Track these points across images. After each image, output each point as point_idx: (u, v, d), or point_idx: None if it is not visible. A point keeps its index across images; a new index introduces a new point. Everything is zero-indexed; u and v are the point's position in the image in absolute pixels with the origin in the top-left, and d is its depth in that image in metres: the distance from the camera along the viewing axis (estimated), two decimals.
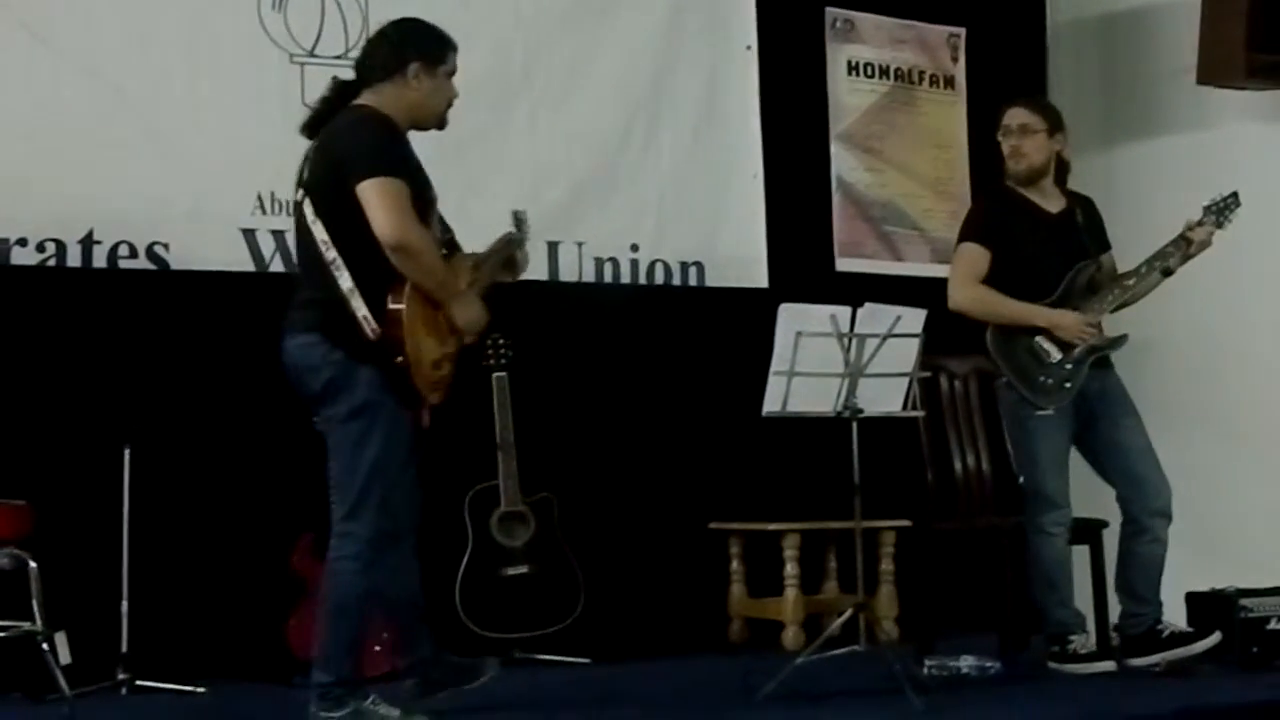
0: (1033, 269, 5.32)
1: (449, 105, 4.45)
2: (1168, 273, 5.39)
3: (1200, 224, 5.33)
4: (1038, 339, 5.28)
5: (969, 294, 5.33)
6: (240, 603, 5.46)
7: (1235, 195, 5.38)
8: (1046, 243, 5.38)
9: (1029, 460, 5.28)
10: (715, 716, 4.71)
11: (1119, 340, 5.35)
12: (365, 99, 4.33)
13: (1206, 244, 5.34)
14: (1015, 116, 5.44)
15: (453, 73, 4.44)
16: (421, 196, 4.26)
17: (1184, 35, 6.42)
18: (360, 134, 4.21)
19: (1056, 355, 5.27)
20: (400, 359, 4.16)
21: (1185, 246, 5.32)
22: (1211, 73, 6.34)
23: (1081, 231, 5.47)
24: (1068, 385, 5.26)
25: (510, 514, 5.75)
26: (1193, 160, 6.58)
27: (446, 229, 4.53)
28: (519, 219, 4.77)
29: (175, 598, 5.38)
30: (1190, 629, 5.32)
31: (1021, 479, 5.53)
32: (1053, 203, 5.47)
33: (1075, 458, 5.40)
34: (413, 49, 4.36)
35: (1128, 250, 5.54)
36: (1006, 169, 5.43)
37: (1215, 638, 5.24)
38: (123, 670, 5.05)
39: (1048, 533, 5.24)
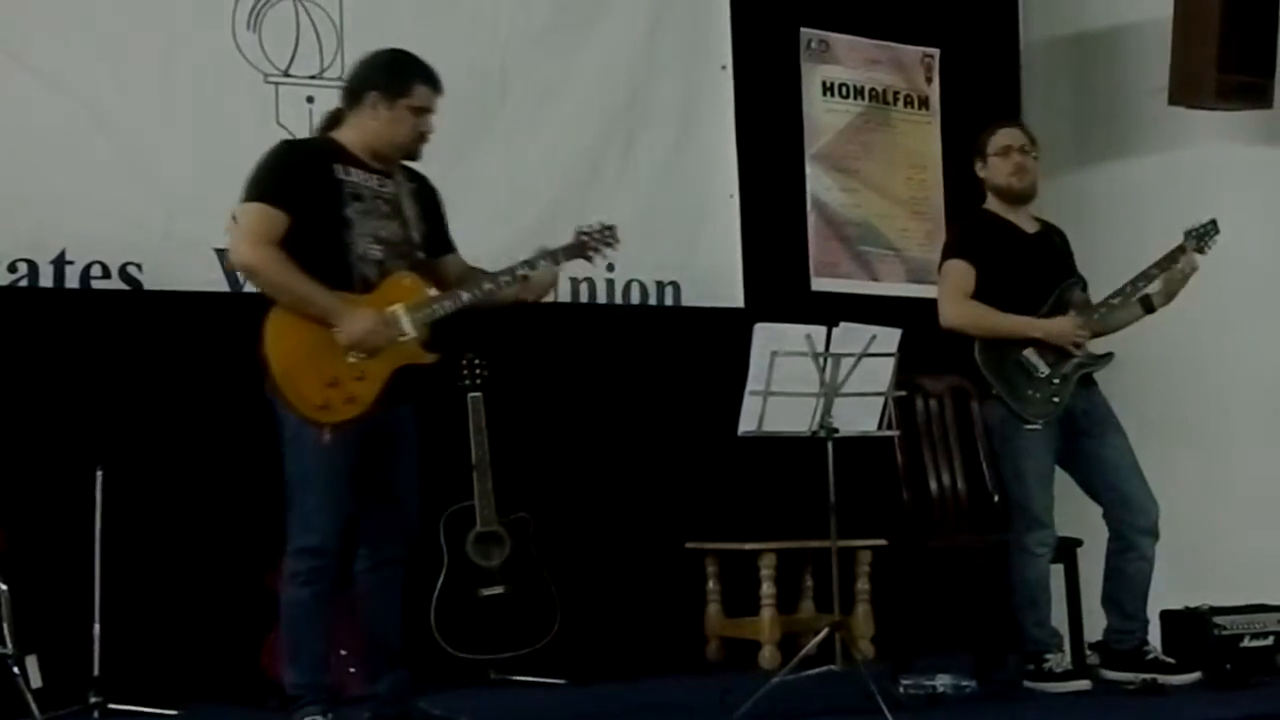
0: (1019, 286, 5.34)
1: (416, 139, 4.42)
2: (1150, 309, 5.41)
3: (1183, 250, 5.36)
4: (1026, 353, 5.29)
5: (961, 310, 5.33)
6: (214, 625, 5.43)
7: (1214, 222, 5.42)
8: (1030, 260, 5.40)
9: (1015, 478, 5.29)
10: None
11: (1106, 358, 5.37)
12: (342, 126, 4.41)
13: (1190, 273, 5.37)
14: (1016, 136, 5.47)
15: (422, 108, 4.39)
16: (330, 215, 4.24)
17: (1156, 56, 6.46)
18: (258, 162, 4.30)
19: (1045, 369, 5.29)
20: (267, 379, 4.20)
21: (1171, 273, 5.35)
22: (1183, 94, 6.37)
23: (1060, 251, 5.50)
24: (1056, 400, 5.28)
25: (486, 534, 5.74)
26: (1165, 181, 6.61)
27: (412, 241, 4.44)
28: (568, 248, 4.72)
29: (148, 620, 5.35)
30: (1173, 660, 5.33)
31: (997, 497, 5.54)
32: (1029, 225, 5.50)
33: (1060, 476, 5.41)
34: (372, 80, 4.39)
35: (1100, 269, 5.56)
36: (1005, 186, 5.42)
37: (1196, 675, 5.25)
38: (95, 694, 5.01)
39: (1032, 552, 5.25)
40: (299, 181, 4.24)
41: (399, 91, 4.35)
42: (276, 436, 4.29)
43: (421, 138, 4.41)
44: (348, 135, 4.38)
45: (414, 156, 4.46)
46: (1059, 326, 5.30)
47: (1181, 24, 6.36)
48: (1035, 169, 5.46)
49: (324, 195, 4.25)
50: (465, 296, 4.38)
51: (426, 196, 4.53)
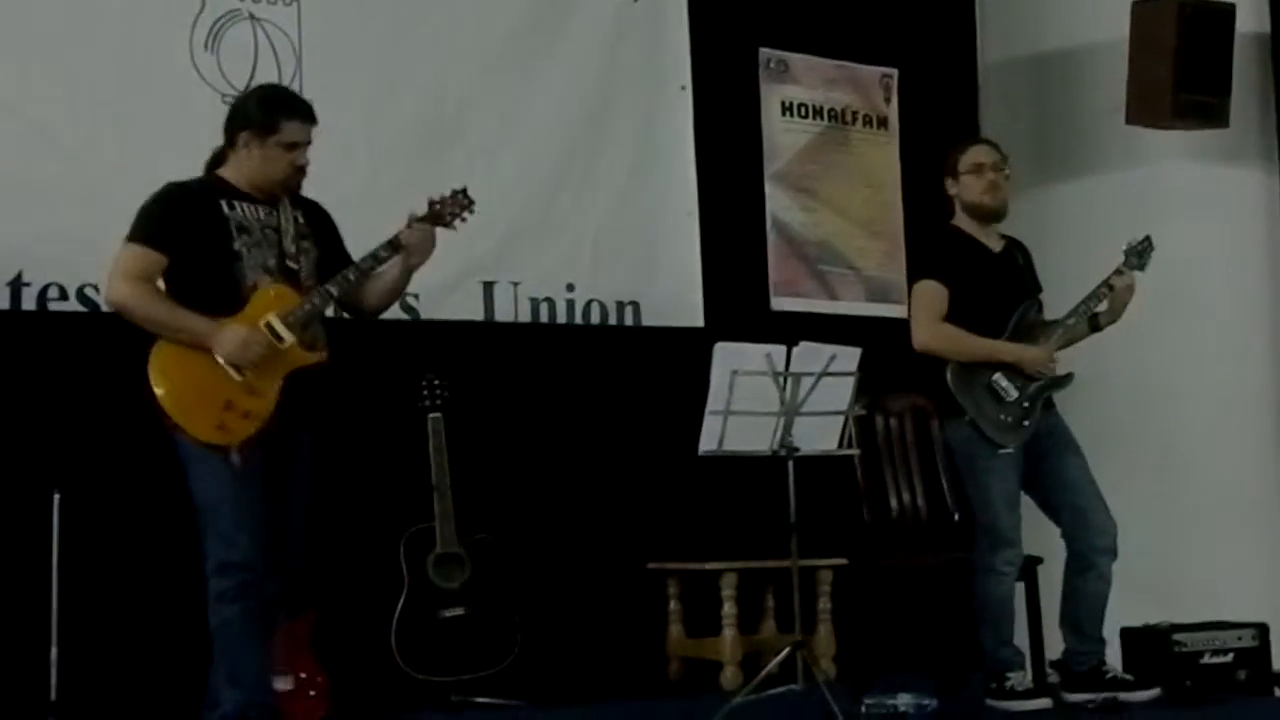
0: (982, 307, 5.35)
1: (293, 173, 4.45)
2: (1096, 328, 5.44)
3: (1119, 272, 5.39)
4: (996, 377, 5.30)
5: (935, 333, 5.33)
6: (171, 650, 5.38)
7: (1149, 238, 5.45)
8: (994, 281, 5.42)
9: (982, 499, 5.29)
10: None
11: (1066, 379, 5.40)
12: (226, 164, 4.50)
13: (1130, 290, 5.40)
14: (989, 154, 5.49)
15: (293, 143, 4.42)
16: (219, 250, 4.33)
17: (1113, 76, 6.49)
18: (142, 203, 4.40)
19: (1014, 393, 5.30)
20: (162, 415, 4.27)
21: (1110, 292, 5.38)
22: (1140, 113, 6.42)
23: (1023, 270, 5.53)
24: (1026, 423, 5.30)
25: (446, 556, 5.71)
26: (1123, 199, 6.64)
27: (299, 268, 4.45)
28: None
29: (105, 645, 5.30)
30: (1131, 677, 5.35)
31: (957, 516, 5.56)
32: (995, 243, 5.52)
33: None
34: (242, 120, 4.45)
35: (1059, 287, 5.59)
36: (978, 204, 5.42)
37: (1155, 692, 5.27)
38: (52, 717, 4.97)
39: (999, 571, 5.26)
40: (181, 221, 4.34)
41: (268, 129, 4.40)
42: (181, 472, 4.34)
43: (298, 171, 4.46)
44: (230, 172, 4.45)
45: (293, 189, 4.50)
46: (1030, 354, 5.31)
47: (1138, 44, 6.40)
48: (1006, 187, 5.48)
49: (211, 232, 4.34)
50: (334, 289, 4.42)
51: (317, 222, 4.57)
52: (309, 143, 4.46)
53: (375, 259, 4.47)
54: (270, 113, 4.43)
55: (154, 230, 4.34)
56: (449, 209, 4.60)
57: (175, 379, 4.29)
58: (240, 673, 4.27)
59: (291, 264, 4.41)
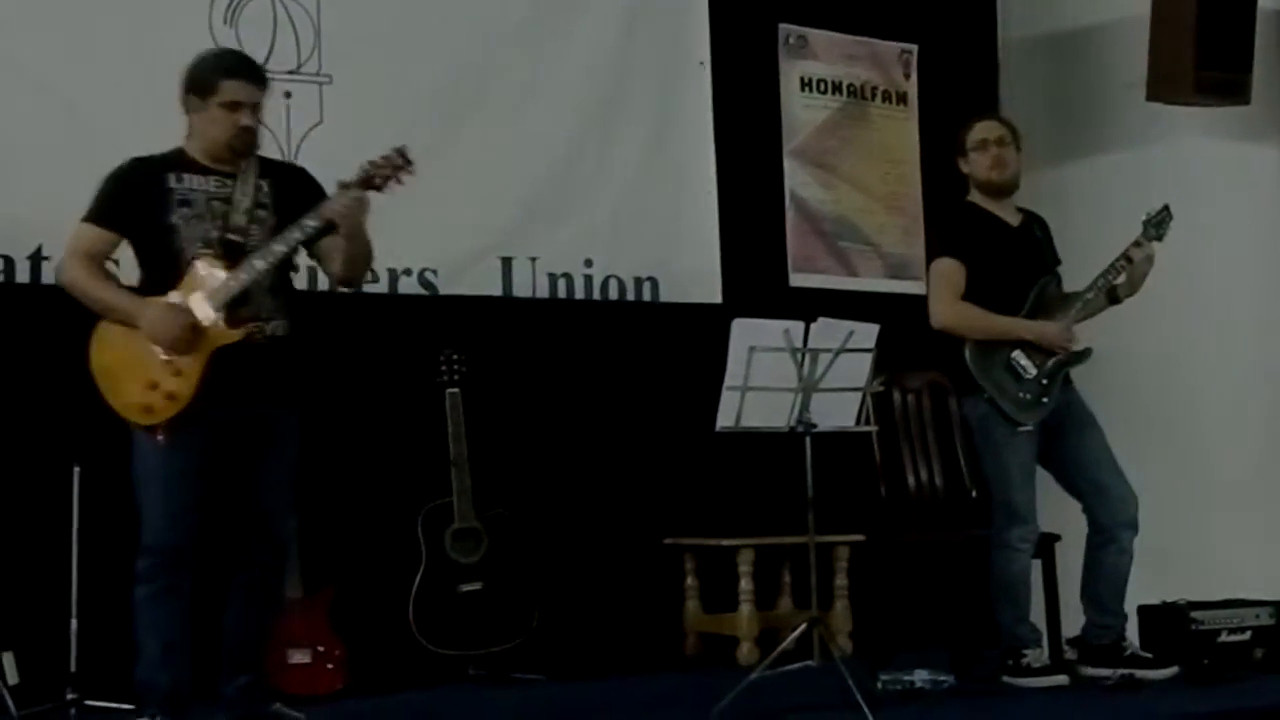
0: (1000, 282, 5.34)
1: (237, 134, 4.33)
2: (1115, 300, 5.43)
3: (1138, 244, 5.37)
4: (1014, 354, 5.30)
5: (953, 311, 5.33)
6: (190, 621, 5.40)
7: (1167, 208, 5.43)
8: (1012, 256, 5.41)
9: (999, 474, 5.29)
10: None
11: (1085, 354, 5.38)
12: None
13: (1148, 261, 5.38)
14: (993, 129, 5.47)
15: (233, 102, 4.32)
16: (157, 225, 4.28)
17: (1133, 52, 6.47)
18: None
19: (1033, 370, 5.30)
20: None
21: (1129, 264, 5.37)
22: (1160, 89, 6.39)
23: (1041, 245, 5.52)
24: (1045, 400, 5.29)
25: (464, 530, 5.73)
26: (1142, 176, 6.62)
27: (248, 238, 4.33)
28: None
29: (125, 617, 5.31)
30: (1149, 654, 5.35)
31: (974, 493, 5.55)
32: (1012, 217, 5.51)
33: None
34: (186, 84, 4.38)
35: (1079, 264, 5.57)
36: (986, 180, 5.43)
37: (1173, 669, 5.27)
38: (71, 690, 4.99)
39: (1015, 548, 5.26)
40: (128, 199, 4.32)
41: (207, 91, 4.33)
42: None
43: (244, 132, 4.34)
44: (190, 143, 4.40)
45: (244, 152, 4.38)
46: (1050, 330, 5.30)
47: (1159, 20, 6.37)
48: (1016, 160, 5.46)
49: (152, 206, 4.30)
50: (259, 264, 4.27)
51: (290, 189, 4.43)
52: (256, 104, 4.35)
53: (303, 231, 4.29)
54: (208, 73, 4.35)
55: (103, 209, 4.34)
56: (380, 173, 4.37)
57: (108, 358, 4.28)
58: (142, 650, 4.28)
59: (235, 237, 4.30)
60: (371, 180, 4.36)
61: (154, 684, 4.27)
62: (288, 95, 5.84)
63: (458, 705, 5.23)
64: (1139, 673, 5.20)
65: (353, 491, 5.82)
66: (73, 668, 5.02)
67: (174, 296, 4.24)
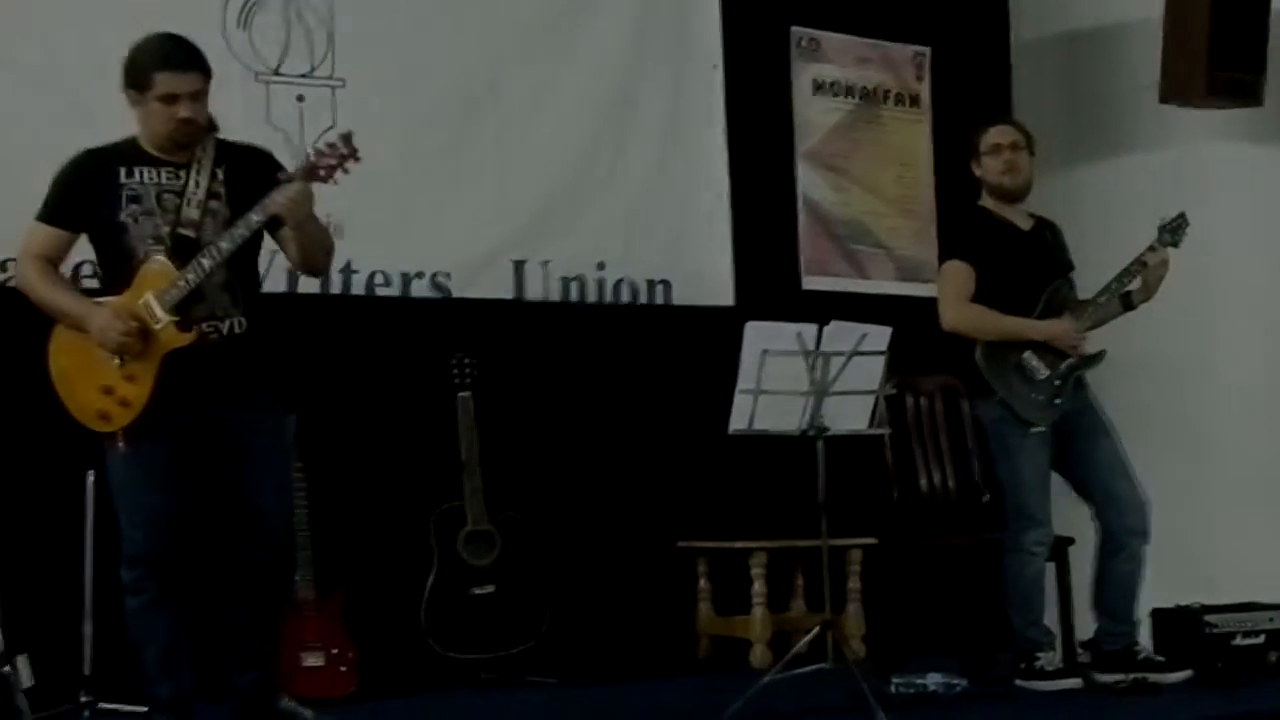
0: (1012, 286, 5.33)
1: (176, 126, 4.12)
2: (1129, 306, 5.42)
3: (1152, 249, 5.36)
4: (1025, 355, 5.29)
5: (962, 313, 5.33)
6: (201, 624, 5.41)
7: (1183, 215, 5.42)
8: (1024, 260, 5.40)
9: (1012, 478, 5.28)
10: None
11: (1098, 357, 5.38)
12: None
13: (1164, 266, 5.37)
14: (1006, 134, 5.47)
15: (168, 94, 4.09)
16: (108, 223, 4.13)
17: (1146, 54, 6.46)
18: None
19: (1044, 372, 5.29)
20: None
21: (1143, 269, 5.36)
22: (1174, 91, 6.38)
23: (1052, 249, 5.51)
24: (1057, 402, 5.29)
25: (476, 533, 5.73)
26: (1155, 178, 6.61)
27: (200, 233, 4.13)
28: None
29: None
30: (1162, 658, 5.34)
31: (987, 496, 5.54)
32: (1023, 221, 5.51)
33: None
34: (123, 78, 4.19)
35: (1091, 267, 5.57)
36: (998, 185, 5.42)
37: (1187, 673, 5.26)
38: (85, 693, 5.01)
39: (1029, 552, 5.25)
40: (78, 195, 4.17)
41: (142, 85, 4.13)
42: None
43: (184, 124, 4.12)
44: (141, 131, 4.23)
45: (187, 144, 4.16)
46: (1059, 329, 5.30)
47: (1172, 21, 6.36)
48: (1028, 166, 5.46)
49: (102, 203, 4.14)
50: (206, 263, 4.06)
51: (247, 176, 4.18)
52: (193, 93, 4.11)
53: (248, 226, 4.07)
54: (142, 67, 4.14)
55: (54, 206, 4.19)
56: (324, 163, 4.12)
57: (63, 363, 4.17)
58: (141, 660, 4.23)
59: (187, 232, 4.11)
60: (315, 171, 4.12)
61: (155, 694, 4.25)
62: (300, 99, 5.85)
63: (470, 709, 5.24)
64: (1152, 676, 5.19)
65: (365, 494, 5.82)
66: (87, 670, 5.03)
67: (123, 299, 4.09)
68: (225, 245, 4.07)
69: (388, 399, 5.91)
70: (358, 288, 5.94)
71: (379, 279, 5.98)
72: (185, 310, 4.09)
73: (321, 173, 4.12)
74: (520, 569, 5.76)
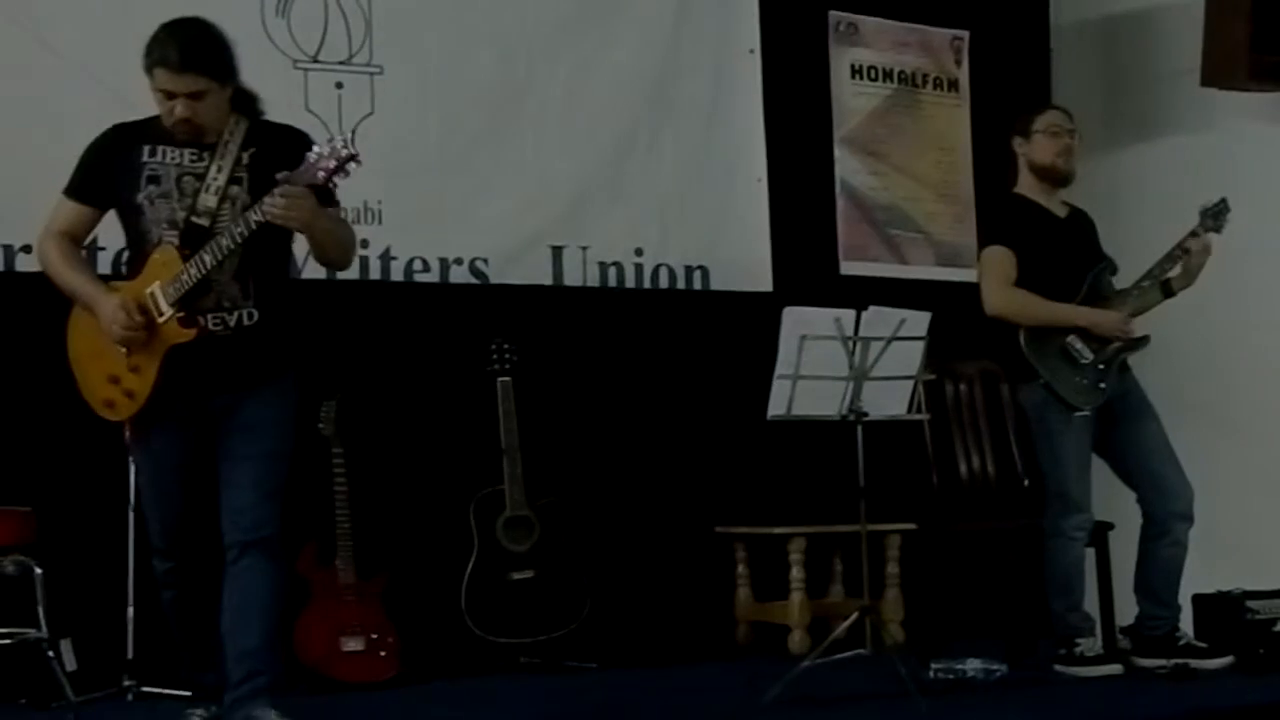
0: (1053, 271, 5.32)
1: (174, 124, 3.98)
2: (1170, 293, 5.39)
3: (1194, 234, 5.33)
4: (1070, 339, 5.28)
5: (1006, 298, 5.31)
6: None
7: (1224, 201, 5.40)
8: (1064, 245, 5.39)
9: (1054, 463, 5.27)
10: None
11: (1142, 341, 5.36)
12: None
13: (1205, 253, 5.34)
14: (1064, 119, 5.48)
15: (162, 90, 3.97)
16: (128, 203, 4.03)
17: (1187, 37, 6.42)
18: None
19: (1089, 356, 5.27)
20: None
21: (1185, 255, 5.33)
22: (1215, 74, 6.33)
23: (1090, 235, 5.49)
24: (1102, 386, 5.27)
25: (515, 519, 5.75)
26: (1196, 162, 6.57)
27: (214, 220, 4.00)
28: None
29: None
30: (1204, 644, 5.32)
31: (1027, 481, 5.53)
32: (1060, 209, 5.49)
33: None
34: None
35: (1131, 252, 5.54)
36: (1050, 166, 5.41)
37: (1228, 659, 5.24)
38: (128, 677, 5.05)
39: (1069, 536, 5.24)
40: (103, 172, 4.07)
41: (149, 74, 3.99)
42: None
43: (181, 123, 3.98)
44: None
45: (190, 141, 4.02)
46: (1106, 318, 5.28)
47: (1213, 4, 6.31)
48: (1078, 152, 5.46)
49: (125, 182, 4.03)
50: (207, 258, 3.92)
51: (268, 159, 4.00)
52: (193, 93, 3.95)
53: (247, 226, 3.91)
54: (146, 55, 3.99)
55: (78, 182, 4.10)
56: (323, 165, 3.87)
57: (79, 347, 4.12)
58: (184, 651, 4.25)
59: (200, 220, 3.97)
60: (313, 173, 3.88)
61: (200, 682, 4.27)
62: (339, 86, 5.87)
63: (509, 693, 5.25)
64: (1193, 662, 5.18)
65: (405, 480, 5.84)
66: (130, 654, 5.07)
67: (132, 286, 4.00)
68: (225, 242, 3.93)
69: (427, 385, 5.94)
70: (397, 274, 5.95)
71: (418, 265, 6.00)
72: (190, 303, 3.98)
73: (320, 175, 3.89)
74: (559, 554, 5.77)
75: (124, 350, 3.99)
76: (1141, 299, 5.37)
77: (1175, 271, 5.38)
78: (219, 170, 4.02)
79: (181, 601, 4.21)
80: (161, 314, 3.97)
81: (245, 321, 4.04)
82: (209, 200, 3.99)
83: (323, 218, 3.99)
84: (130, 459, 4.91)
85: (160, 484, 4.11)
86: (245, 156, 4.04)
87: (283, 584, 4.14)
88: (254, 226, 3.90)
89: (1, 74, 5.41)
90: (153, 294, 3.97)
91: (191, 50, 3.97)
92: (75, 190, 4.11)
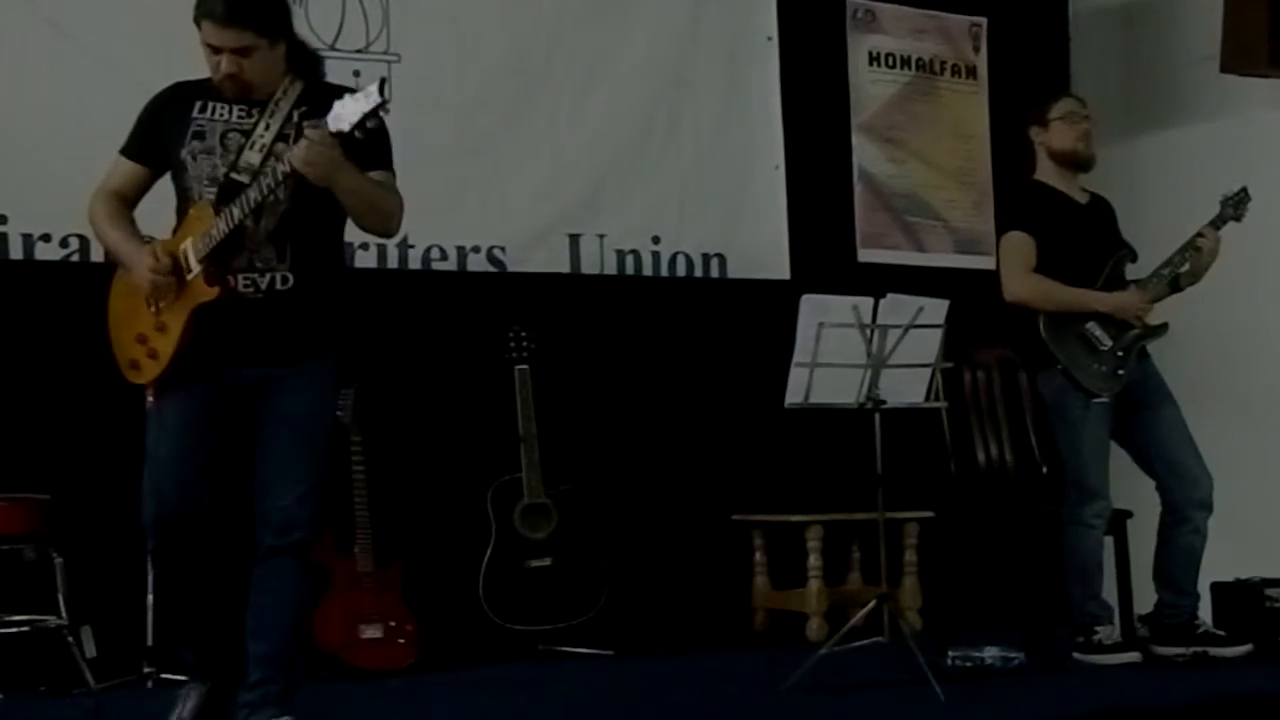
0: (1073, 257, 5.31)
1: (220, 80, 3.83)
2: (1177, 288, 5.38)
3: (1203, 235, 5.31)
4: (1089, 326, 5.27)
5: (1026, 284, 5.30)
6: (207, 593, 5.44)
7: (1245, 190, 5.39)
8: (1084, 232, 5.38)
9: (1072, 450, 5.26)
10: (739, 708, 4.71)
11: (1161, 329, 5.35)
12: None
13: (1215, 252, 5.33)
14: (1079, 105, 5.48)
15: (209, 44, 3.81)
16: (172, 158, 3.88)
17: (1207, 23, 6.39)
18: None
19: (1108, 342, 5.27)
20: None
21: (1196, 253, 5.32)
22: (1235, 61, 6.30)
23: (1110, 222, 5.48)
24: (1121, 373, 5.26)
25: (533, 506, 5.76)
26: (1216, 149, 6.55)
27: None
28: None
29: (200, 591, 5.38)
30: (1222, 632, 5.31)
31: (1045, 469, 5.52)
32: (1080, 195, 5.48)
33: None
34: None
35: (1150, 240, 5.53)
36: (1071, 151, 5.40)
37: (1246, 647, 5.23)
38: (148, 664, 5.07)
39: (1088, 524, 5.23)
40: (155, 128, 3.93)
41: (197, 25, 3.83)
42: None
43: (227, 80, 3.82)
44: None
45: (234, 100, 3.86)
46: (1124, 300, 5.27)
47: None
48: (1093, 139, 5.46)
49: (174, 138, 3.89)
50: (235, 211, 3.73)
51: (317, 115, 3.80)
52: (239, 49, 3.79)
53: (274, 176, 3.71)
54: (197, 7, 3.84)
55: (133, 139, 3.98)
56: (350, 111, 3.65)
57: (117, 307, 3.97)
58: (170, 625, 4.13)
59: (240, 177, 3.79)
60: (340, 122, 3.66)
61: (182, 659, 4.12)
62: (356, 74, 5.85)
63: (527, 680, 5.26)
64: (1212, 650, 5.17)
65: (423, 467, 5.85)
66: (149, 641, 5.09)
67: (164, 241, 3.86)
68: (253, 195, 3.73)
69: (445, 373, 5.94)
70: (414, 262, 5.96)
71: (435, 253, 6.01)
72: (221, 260, 3.78)
73: (347, 124, 3.65)
74: (577, 542, 5.78)
75: (153, 310, 3.83)
76: (1153, 290, 5.36)
77: (1185, 268, 5.37)
78: (266, 128, 3.85)
79: (167, 581, 4.09)
80: (190, 270, 3.79)
81: (278, 285, 3.83)
82: (252, 157, 3.82)
83: (348, 172, 3.74)
84: (158, 434, 4.92)
85: (175, 466, 3.84)
86: (296, 115, 3.86)
87: (306, 590, 4.01)
88: (280, 178, 3.70)
89: (24, 68, 5.43)
90: (184, 250, 3.81)
91: (239, 3, 3.79)
92: (128, 147, 3.99)
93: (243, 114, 3.87)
